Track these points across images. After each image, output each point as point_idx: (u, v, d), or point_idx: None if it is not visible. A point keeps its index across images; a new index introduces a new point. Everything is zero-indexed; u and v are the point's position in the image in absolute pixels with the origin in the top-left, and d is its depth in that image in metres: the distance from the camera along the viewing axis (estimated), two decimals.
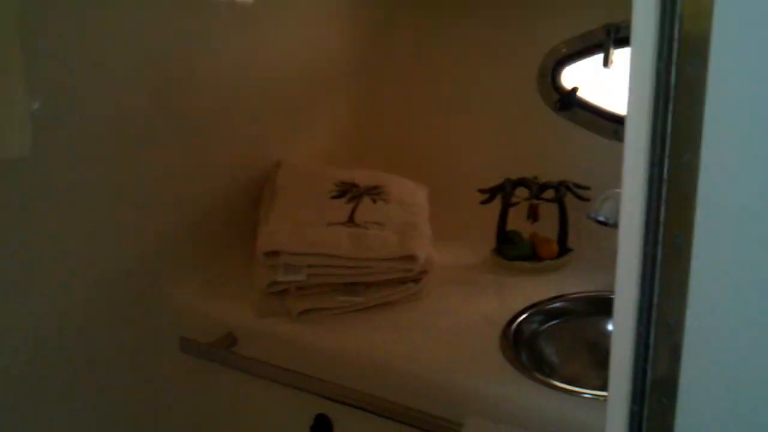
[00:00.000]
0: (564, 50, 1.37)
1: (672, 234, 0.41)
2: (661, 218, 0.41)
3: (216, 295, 1.26)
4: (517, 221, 1.35)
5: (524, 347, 1.11)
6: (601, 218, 1.12)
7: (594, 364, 1.14)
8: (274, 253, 1.16)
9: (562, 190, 1.30)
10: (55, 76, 1.05)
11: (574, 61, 1.36)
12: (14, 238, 1.05)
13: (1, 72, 0.86)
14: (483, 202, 1.34)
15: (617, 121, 1.32)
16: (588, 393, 0.95)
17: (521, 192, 1.34)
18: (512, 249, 1.33)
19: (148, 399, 1.27)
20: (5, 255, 1.04)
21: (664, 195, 0.41)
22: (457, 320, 1.17)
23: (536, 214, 1.32)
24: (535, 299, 1.20)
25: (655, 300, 0.43)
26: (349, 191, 1.32)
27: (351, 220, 1.25)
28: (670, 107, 0.39)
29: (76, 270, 1.14)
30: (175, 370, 1.26)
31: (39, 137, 1.04)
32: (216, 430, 1.29)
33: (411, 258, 1.18)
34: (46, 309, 1.11)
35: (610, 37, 1.23)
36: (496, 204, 1.34)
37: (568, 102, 1.36)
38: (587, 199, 1.30)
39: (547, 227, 1.34)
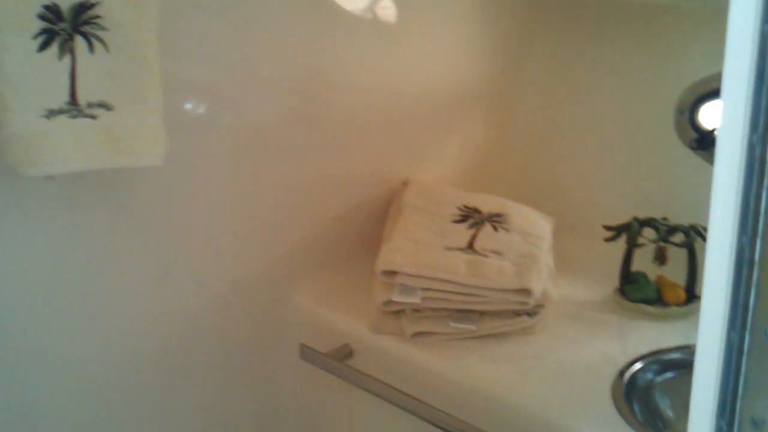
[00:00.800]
0: (714, 84, 1.26)
1: (762, 325, 0.35)
2: (750, 305, 0.35)
3: (337, 306, 1.26)
4: (644, 262, 1.26)
5: (638, 397, 1.03)
6: None
7: None
8: (392, 273, 1.14)
9: (692, 234, 1.19)
10: (216, 81, 1.10)
11: (715, 98, 1.25)
12: (157, 234, 1.10)
13: (138, 85, 0.89)
14: (608, 240, 1.26)
15: None
16: None
17: (648, 233, 1.24)
18: (636, 291, 1.23)
19: (265, 401, 1.29)
20: (150, 248, 1.10)
21: (754, 280, 0.35)
22: (570, 359, 1.10)
23: (664, 257, 1.22)
24: (656, 346, 1.11)
25: (740, 393, 0.37)
26: (471, 217, 1.28)
27: (470, 247, 1.21)
28: (765, 183, 0.33)
29: (211, 269, 1.18)
30: (293, 376, 1.27)
31: (194, 139, 1.09)
32: None
33: (526, 291, 1.12)
34: (181, 302, 1.16)
35: None
36: (622, 242, 1.26)
37: (707, 142, 1.25)
38: None
39: (675, 272, 1.24)
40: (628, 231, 1.24)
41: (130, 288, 1.10)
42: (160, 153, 0.93)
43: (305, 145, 1.24)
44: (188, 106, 1.10)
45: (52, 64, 0.83)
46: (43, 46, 0.82)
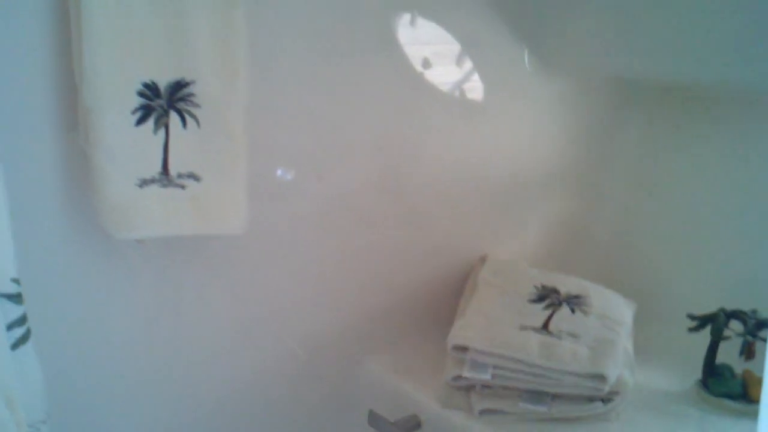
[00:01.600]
0: None
1: None
2: None
3: (408, 376, 1.24)
4: (729, 354, 1.17)
5: None
6: None
7: None
8: (463, 348, 1.12)
9: None
10: (305, 148, 1.13)
11: None
12: (240, 292, 1.13)
13: (226, 158, 0.93)
14: (691, 330, 1.19)
15: None
16: None
17: (736, 325, 1.16)
18: (720, 385, 1.15)
19: None
20: (233, 306, 1.12)
21: None
22: None
23: (751, 351, 1.14)
24: None
25: None
26: (548, 297, 1.24)
27: (545, 327, 1.17)
28: None
29: (288, 330, 1.20)
30: None
31: (280, 203, 1.12)
32: None
33: (600, 377, 1.07)
34: (259, 361, 1.18)
35: None
36: (708, 332, 1.18)
37: None
38: None
39: (763, 367, 1.14)
40: (714, 322, 1.17)
41: (213, 343, 1.13)
42: (243, 223, 0.96)
43: (386, 215, 1.25)
44: (278, 171, 1.13)
45: (147, 137, 0.88)
46: (141, 121, 0.87)
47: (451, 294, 1.33)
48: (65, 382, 0.97)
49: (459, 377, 1.11)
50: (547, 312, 1.20)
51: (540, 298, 1.24)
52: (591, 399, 1.09)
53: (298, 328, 1.21)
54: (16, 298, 0.78)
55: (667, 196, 1.43)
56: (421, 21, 1.18)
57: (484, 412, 1.09)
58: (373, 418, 1.19)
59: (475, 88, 1.29)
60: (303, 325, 1.21)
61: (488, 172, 1.34)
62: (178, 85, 0.87)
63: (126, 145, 0.86)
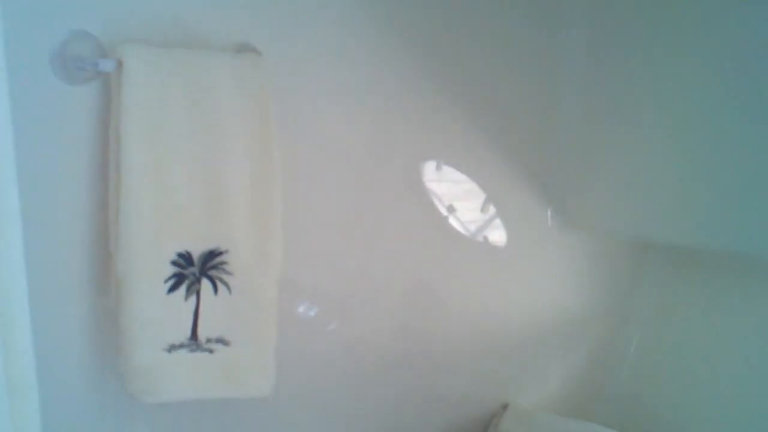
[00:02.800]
0: None
1: None
2: None
3: None
4: None
5: None
6: None
7: None
8: None
9: None
10: (330, 288, 1.10)
11: None
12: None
13: (255, 324, 0.90)
14: None
15: None
16: None
17: None
18: None
19: None
20: None
21: None
22: None
23: None
24: None
25: None
26: None
27: None
28: None
29: None
30: None
31: (300, 340, 1.09)
32: None
33: None
34: None
35: None
36: None
37: None
38: None
39: None
40: None
41: None
42: (270, 386, 0.93)
43: (408, 362, 1.21)
44: (300, 308, 1.10)
45: (178, 304, 0.86)
46: (172, 289, 0.85)
47: None
48: None
49: None
50: None
51: None
52: None
53: None
54: None
55: (685, 350, 1.39)
56: (446, 169, 1.18)
57: None
58: None
59: (499, 240, 1.28)
60: None
61: (510, 321, 1.32)
62: (212, 254, 0.86)
63: (156, 313, 0.84)
